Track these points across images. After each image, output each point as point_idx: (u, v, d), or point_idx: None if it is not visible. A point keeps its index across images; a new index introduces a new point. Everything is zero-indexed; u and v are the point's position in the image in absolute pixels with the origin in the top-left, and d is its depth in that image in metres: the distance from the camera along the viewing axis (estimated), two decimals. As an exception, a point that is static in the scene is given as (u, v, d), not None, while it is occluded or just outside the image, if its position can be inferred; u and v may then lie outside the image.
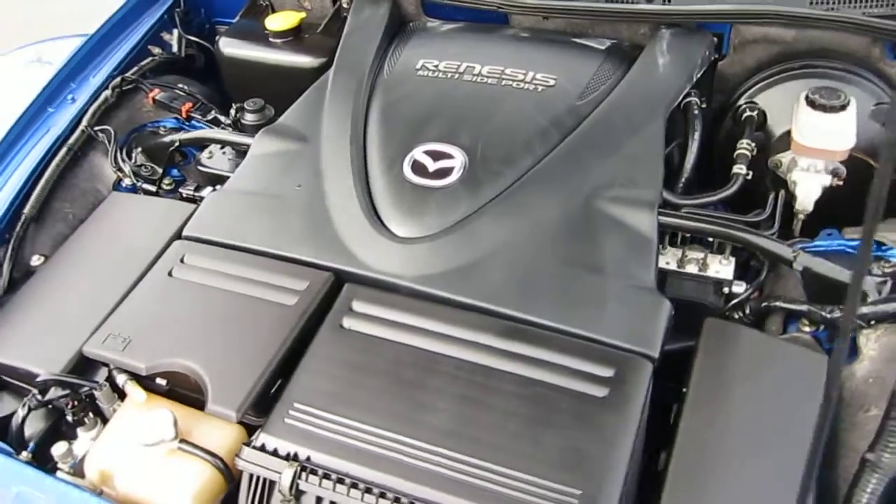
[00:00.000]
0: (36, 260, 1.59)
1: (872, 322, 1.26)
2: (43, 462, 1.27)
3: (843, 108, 1.51)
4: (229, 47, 2.12)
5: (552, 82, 1.63)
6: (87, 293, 1.45)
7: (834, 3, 1.64)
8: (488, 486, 1.07)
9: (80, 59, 1.92)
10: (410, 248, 1.38)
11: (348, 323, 1.30)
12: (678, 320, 1.31)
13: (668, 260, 1.47)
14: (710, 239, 1.45)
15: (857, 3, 1.64)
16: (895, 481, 1.03)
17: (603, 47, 1.76)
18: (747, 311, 1.40)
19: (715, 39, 1.74)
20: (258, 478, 1.14)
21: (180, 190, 1.76)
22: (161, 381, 1.31)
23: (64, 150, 1.72)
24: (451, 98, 1.64)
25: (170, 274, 1.42)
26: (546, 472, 1.08)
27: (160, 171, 1.82)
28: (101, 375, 1.33)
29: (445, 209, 1.42)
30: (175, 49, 2.17)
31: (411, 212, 1.43)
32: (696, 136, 1.61)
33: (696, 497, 1.09)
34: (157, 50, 2.11)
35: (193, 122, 1.93)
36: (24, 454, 1.27)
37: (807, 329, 1.34)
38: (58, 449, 1.25)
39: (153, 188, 1.77)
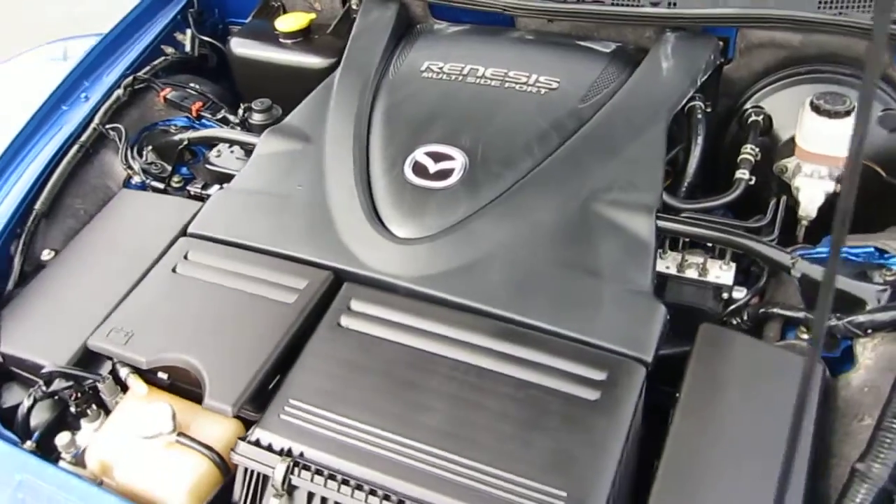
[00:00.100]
0: (46, 254, 1.63)
1: (869, 331, 1.25)
2: (47, 452, 1.30)
3: (847, 113, 1.49)
4: (240, 47, 2.15)
5: (555, 85, 1.64)
6: (94, 288, 1.48)
7: (842, 7, 1.63)
8: (477, 487, 1.08)
9: (94, 58, 1.96)
10: (409, 248, 1.39)
11: (346, 321, 1.31)
12: (678, 325, 1.31)
13: (668, 264, 1.47)
14: (709, 244, 1.45)
15: (865, 7, 1.62)
16: (884, 491, 1.03)
17: (608, 50, 1.76)
18: (745, 317, 1.40)
19: (721, 43, 1.74)
20: (252, 472, 1.16)
21: (188, 188, 1.80)
22: (162, 376, 1.34)
23: (76, 147, 1.76)
24: (454, 100, 1.65)
25: (174, 270, 1.44)
26: (535, 474, 1.09)
27: (170, 168, 1.85)
28: (106, 368, 1.37)
29: (445, 210, 1.43)
30: (188, 49, 2.21)
31: (411, 213, 1.44)
32: (700, 140, 1.61)
33: (683, 502, 1.09)
34: (169, 49, 2.14)
35: (203, 120, 1.97)
36: (29, 443, 1.30)
37: (805, 336, 1.33)
38: (61, 439, 1.28)
39: (162, 186, 1.80)
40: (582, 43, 1.81)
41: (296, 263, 1.42)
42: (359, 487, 1.10)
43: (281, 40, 2.10)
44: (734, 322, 1.41)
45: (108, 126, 1.83)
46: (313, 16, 2.13)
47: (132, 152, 1.84)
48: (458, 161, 1.50)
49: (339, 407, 1.19)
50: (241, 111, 1.91)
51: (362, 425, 1.16)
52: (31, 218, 1.64)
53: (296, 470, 1.12)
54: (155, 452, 1.21)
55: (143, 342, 1.32)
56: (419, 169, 1.50)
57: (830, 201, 1.54)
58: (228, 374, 1.25)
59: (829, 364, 1.28)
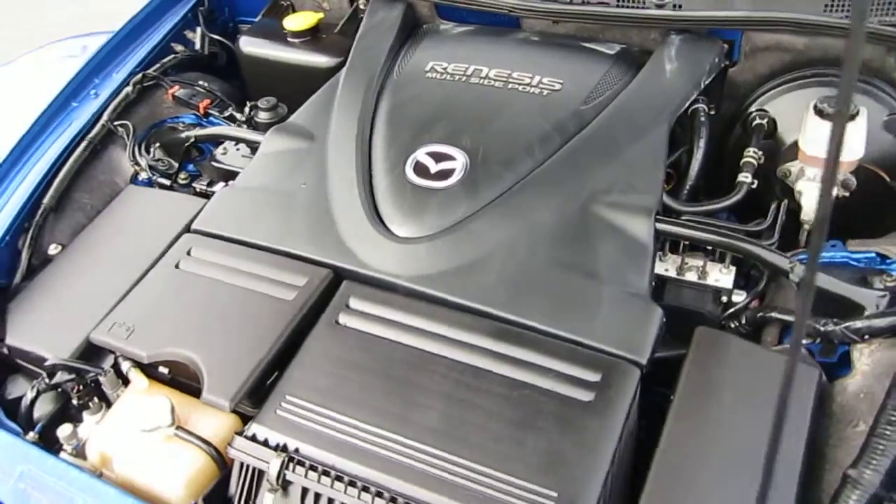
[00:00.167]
0: (53, 249, 1.65)
1: (866, 336, 1.24)
2: (50, 443, 1.32)
3: (851, 118, 1.48)
4: (249, 46, 2.17)
5: (558, 86, 1.64)
6: (99, 282, 1.50)
7: (849, 10, 1.62)
8: (469, 485, 1.09)
9: (105, 55, 1.99)
10: (408, 248, 1.40)
11: (344, 319, 1.33)
12: (677, 328, 1.31)
13: (668, 267, 1.47)
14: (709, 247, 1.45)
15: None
16: (875, 498, 1.02)
17: (612, 52, 1.76)
18: (743, 321, 1.39)
19: (725, 46, 1.73)
20: (248, 466, 1.18)
21: (194, 184, 1.81)
22: (163, 370, 1.36)
23: (84, 143, 1.79)
24: (457, 100, 1.66)
25: (176, 266, 1.46)
26: (526, 474, 1.09)
27: (177, 165, 1.87)
28: (108, 362, 1.39)
29: (444, 211, 1.44)
30: (198, 47, 2.23)
31: (411, 212, 1.45)
32: (702, 143, 1.61)
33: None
34: (179, 47, 2.16)
35: (211, 118, 1.99)
36: (32, 434, 1.33)
37: (803, 341, 1.33)
38: (63, 431, 1.30)
39: (168, 182, 1.82)
40: (586, 45, 1.81)
41: (296, 261, 1.43)
42: (352, 484, 1.11)
43: (289, 39, 2.12)
44: (732, 325, 1.41)
45: (116, 123, 1.86)
46: (321, 15, 2.15)
47: (140, 149, 1.86)
48: (459, 161, 1.50)
49: (335, 404, 1.20)
50: (247, 109, 1.92)
51: (357, 422, 1.18)
52: (39, 212, 1.66)
53: (290, 465, 1.13)
54: (153, 445, 1.23)
55: (145, 336, 1.34)
56: (420, 169, 1.51)
57: (835, 206, 1.53)
58: (227, 370, 1.26)
59: (826, 369, 1.28)
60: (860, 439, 1.11)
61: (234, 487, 1.20)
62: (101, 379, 1.34)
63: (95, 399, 1.35)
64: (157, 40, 2.10)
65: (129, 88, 1.92)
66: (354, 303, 1.35)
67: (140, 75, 1.96)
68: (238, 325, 1.34)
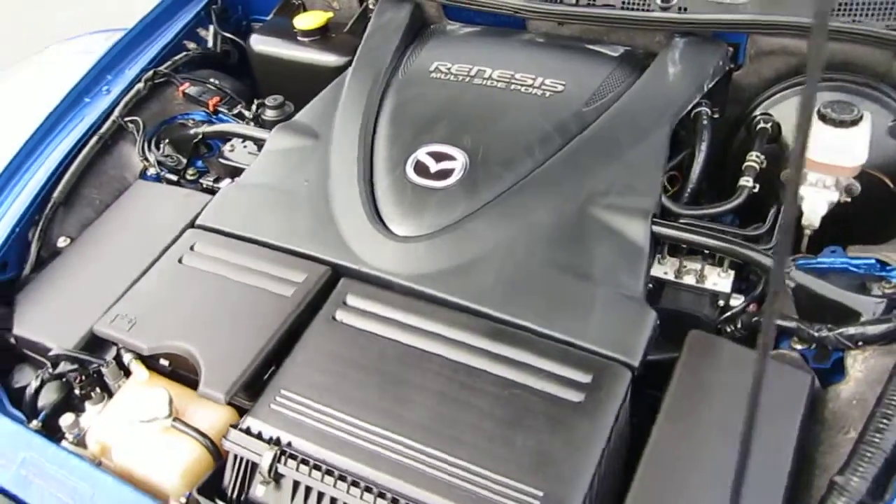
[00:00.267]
0: (62, 241, 1.69)
1: (860, 343, 1.24)
2: (52, 431, 1.35)
3: (854, 123, 1.47)
4: (260, 44, 2.20)
5: (560, 88, 1.65)
6: (105, 275, 1.53)
7: (855, 15, 1.61)
8: (456, 483, 1.10)
9: (118, 52, 2.02)
10: (406, 246, 1.42)
11: (341, 316, 1.34)
12: (674, 331, 1.32)
13: (667, 270, 1.47)
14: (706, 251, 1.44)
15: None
16: (861, 505, 1.02)
17: (615, 54, 1.76)
18: (739, 325, 1.39)
19: (730, 49, 1.72)
20: (242, 458, 1.20)
21: (201, 181, 1.84)
22: (164, 362, 1.38)
23: (95, 138, 1.82)
24: (459, 100, 1.67)
25: (179, 261, 1.49)
26: (514, 473, 1.10)
27: (185, 161, 1.90)
28: (111, 354, 1.42)
29: (443, 210, 1.45)
30: (210, 45, 2.26)
31: (411, 212, 1.47)
32: (704, 146, 1.60)
33: None
34: (191, 45, 2.19)
35: (220, 115, 2.02)
36: (35, 423, 1.36)
37: (798, 347, 1.33)
38: (65, 420, 1.33)
39: (176, 178, 1.85)
40: (590, 47, 1.81)
41: (296, 258, 1.45)
42: (342, 478, 1.13)
43: (299, 38, 2.14)
44: (728, 329, 1.40)
45: (126, 119, 1.89)
46: (331, 14, 2.17)
47: (149, 145, 1.89)
48: (459, 161, 1.51)
49: (329, 399, 1.22)
50: (254, 107, 1.95)
51: (350, 418, 1.19)
52: (49, 206, 1.70)
53: (282, 459, 1.15)
54: (151, 436, 1.25)
55: (146, 329, 1.37)
56: (420, 168, 1.52)
57: (839, 211, 1.52)
58: (224, 363, 1.29)
59: (820, 375, 1.27)
60: (850, 446, 1.10)
61: (227, 479, 1.22)
62: (104, 370, 1.37)
63: (97, 389, 1.38)
64: (169, 38, 2.13)
65: (140, 85, 1.95)
66: (351, 300, 1.36)
67: (151, 72, 1.99)
68: (237, 319, 1.37)
